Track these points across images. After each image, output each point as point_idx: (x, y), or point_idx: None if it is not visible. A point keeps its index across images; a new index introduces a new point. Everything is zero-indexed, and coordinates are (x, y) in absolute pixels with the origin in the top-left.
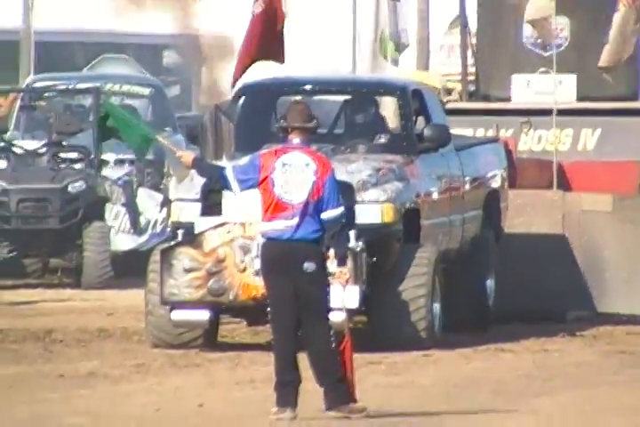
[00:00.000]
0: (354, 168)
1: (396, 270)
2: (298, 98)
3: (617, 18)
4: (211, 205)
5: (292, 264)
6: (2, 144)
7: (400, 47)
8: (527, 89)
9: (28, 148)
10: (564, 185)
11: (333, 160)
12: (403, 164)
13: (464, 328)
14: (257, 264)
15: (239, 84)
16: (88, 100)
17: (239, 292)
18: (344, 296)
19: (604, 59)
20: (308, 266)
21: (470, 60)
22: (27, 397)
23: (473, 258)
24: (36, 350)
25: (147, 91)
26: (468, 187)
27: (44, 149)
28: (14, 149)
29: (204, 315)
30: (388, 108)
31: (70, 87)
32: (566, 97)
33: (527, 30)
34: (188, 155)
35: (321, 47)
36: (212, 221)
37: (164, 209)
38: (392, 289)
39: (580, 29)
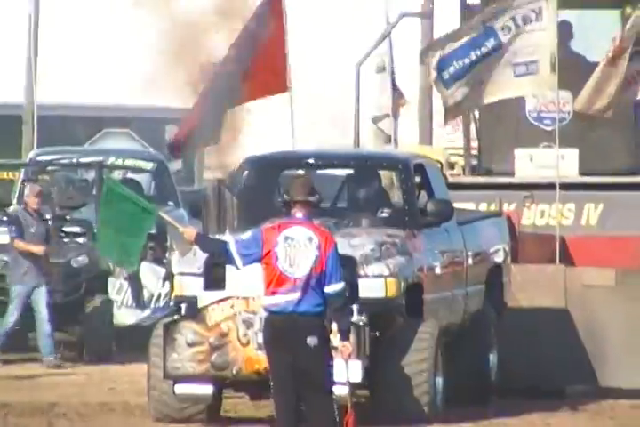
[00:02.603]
0: (357, 242)
1: (399, 345)
2: (300, 172)
3: (597, 70)
4: (214, 279)
5: (294, 338)
6: (5, 218)
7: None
8: (530, 163)
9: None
10: (567, 260)
11: (336, 234)
12: (405, 238)
13: (466, 402)
14: (260, 338)
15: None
16: (91, 175)
17: (242, 366)
18: (347, 370)
19: (577, 104)
20: (312, 340)
21: (473, 135)
22: None
23: (475, 333)
24: (40, 424)
25: (149, 165)
26: (470, 261)
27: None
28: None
29: (207, 389)
30: (391, 182)
31: (73, 161)
32: (569, 171)
33: (529, 105)
34: (190, 231)
35: (325, 121)
36: (216, 295)
37: (167, 283)
38: (394, 363)
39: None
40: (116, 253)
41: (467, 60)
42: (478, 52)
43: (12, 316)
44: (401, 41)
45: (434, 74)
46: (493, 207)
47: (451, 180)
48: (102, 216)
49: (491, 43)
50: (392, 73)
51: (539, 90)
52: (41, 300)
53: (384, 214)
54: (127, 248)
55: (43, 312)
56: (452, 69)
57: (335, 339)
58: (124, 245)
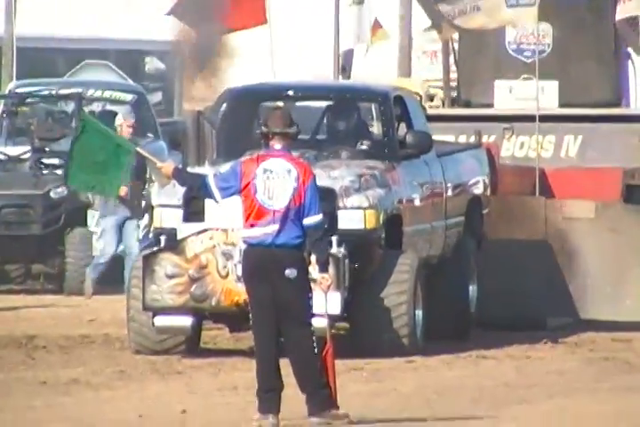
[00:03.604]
0: (336, 174)
1: (378, 277)
2: (279, 104)
3: None
4: (193, 211)
5: (273, 270)
6: None
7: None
8: (509, 95)
9: (11, 153)
10: (547, 192)
11: (315, 166)
12: (385, 170)
13: (446, 335)
14: (239, 270)
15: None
16: (70, 107)
17: (221, 298)
18: (326, 302)
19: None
20: (290, 272)
21: (452, 67)
22: (9, 404)
23: (455, 264)
24: (19, 356)
25: (129, 97)
26: (450, 193)
27: (26, 155)
28: None
29: (186, 321)
30: (370, 114)
31: (52, 93)
32: (548, 103)
33: (509, 36)
34: (167, 166)
35: (304, 54)
36: (195, 227)
37: (147, 215)
38: (374, 295)
39: (563, 36)
40: (93, 184)
41: None
42: None
43: (110, 246)
44: None
45: None
46: (473, 139)
47: (430, 112)
48: (77, 152)
49: None
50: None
51: (521, 21)
52: (133, 233)
53: (363, 146)
54: (106, 179)
55: (133, 246)
56: None
57: (314, 271)
58: (102, 177)
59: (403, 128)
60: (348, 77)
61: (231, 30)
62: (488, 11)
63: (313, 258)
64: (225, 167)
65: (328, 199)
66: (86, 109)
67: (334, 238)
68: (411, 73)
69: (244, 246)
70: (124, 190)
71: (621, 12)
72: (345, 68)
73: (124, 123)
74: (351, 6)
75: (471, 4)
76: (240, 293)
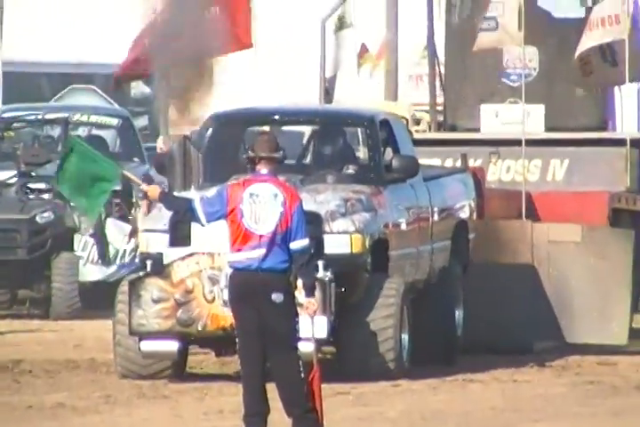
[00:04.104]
0: (322, 198)
1: (365, 301)
2: (265, 128)
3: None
4: (179, 235)
5: (259, 294)
6: None
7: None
8: (495, 119)
9: None
10: (533, 215)
11: (301, 190)
12: (371, 194)
13: (432, 359)
14: (225, 295)
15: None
16: (56, 131)
17: (208, 322)
18: (312, 327)
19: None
20: (276, 297)
21: (439, 90)
22: None
23: (441, 289)
24: (4, 381)
25: (115, 121)
26: (436, 217)
27: (12, 180)
28: None
29: (172, 346)
30: (357, 138)
31: (39, 118)
32: (535, 127)
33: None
34: (153, 189)
35: (289, 78)
36: (181, 251)
37: (133, 240)
38: (360, 320)
39: (549, 59)
40: (78, 200)
41: None
42: None
43: None
44: None
45: None
46: (459, 163)
47: (416, 136)
48: (65, 169)
49: None
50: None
51: (504, 44)
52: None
53: (349, 171)
54: (90, 199)
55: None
56: None
57: (300, 295)
58: (86, 196)
59: (389, 152)
60: (330, 102)
61: (217, 54)
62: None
63: (299, 282)
64: (211, 191)
65: (314, 224)
66: (72, 134)
67: (320, 263)
68: (397, 97)
69: (230, 271)
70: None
71: (587, 42)
72: (328, 91)
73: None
74: (335, 33)
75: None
76: (226, 317)
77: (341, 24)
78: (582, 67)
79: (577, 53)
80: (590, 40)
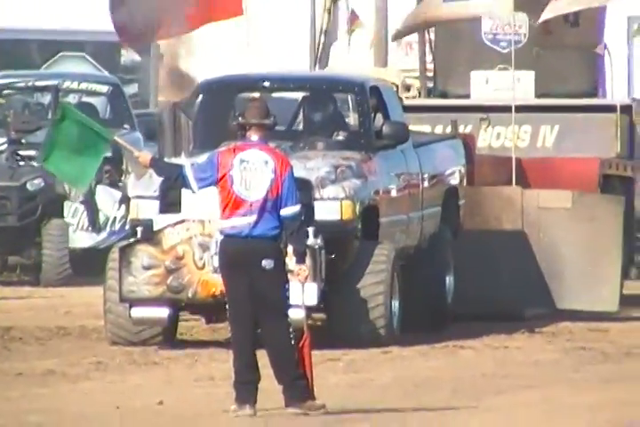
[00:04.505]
0: (312, 165)
1: (355, 268)
2: (256, 95)
3: None
4: (169, 202)
5: (250, 261)
6: None
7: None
8: (486, 86)
9: None
10: (523, 182)
11: (292, 157)
12: (361, 161)
13: (423, 325)
14: (216, 261)
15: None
16: (47, 98)
17: (198, 289)
18: (303, 293)
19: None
20: (267, 263)
21: (429, 57)
22: None
23: (431, 255)
24: None
25: (105, 89)
26: (426, 184)
27: (2, 147)
28: None
29: (163, 312)
30: (347, 105)
31: (29, 85)
32: (525, 94)
33: (485, 26)
34: (145, 155)
35: (280, 46)
36: (171, 218)
37: (123, 206)
38: (350, 286)
39: (539, 26)
40: (67, 171)
41: None
42: None
43: None
44: None
45: None
46: (449, 129)
47: (406, 102)
48: (55, 138)
49: None
50: None
51: (495, 11)
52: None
53: (340, 137)
54: (81, 168)
55: None
56: None
57: (291, 262)
58: (77, 165)
59: (379, 119)
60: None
61: (206, 22)
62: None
63: (290, 249)
64: (202, 158)
65: (304, 190)
66: (64, 100)
67: (311, 229)
68: (387, 63)
69: (220, 238)
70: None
71: (551, 11)
72: (321, 59)
73: None
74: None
75: None
76: (217, 284)
77: None
78: (541, 24)
79: (555, 14)
80: (576, 3)
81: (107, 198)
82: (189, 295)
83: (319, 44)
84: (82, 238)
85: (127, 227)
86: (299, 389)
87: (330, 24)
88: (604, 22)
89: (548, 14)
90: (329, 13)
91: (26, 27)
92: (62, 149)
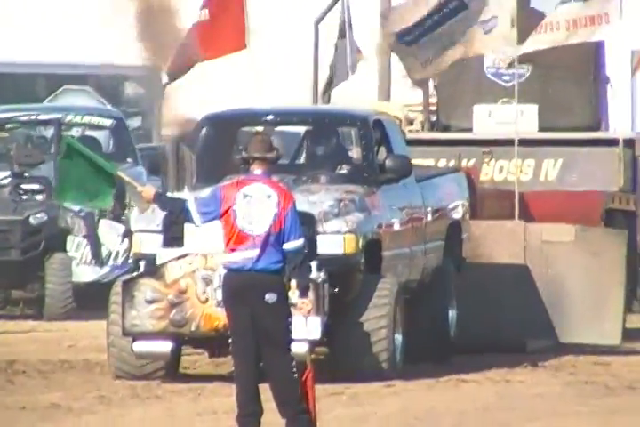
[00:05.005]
0: (315, 199)
1: (358, 301)
2: (259, 129)
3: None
4: (173, 236)
5: (253, 295)
6: None
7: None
8: (489, 119)
9: None
10: (526, 215)
11: (295, 191)
12: (364, 194)
13: (426, 359)
14: (219, 295)
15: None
16: (50, 132)
17: (201, 323)
18: (306, 327)
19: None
20: (270, 297)
21: (432, 91)
22: None
23: (434, 289)
24: None
25: (108, 122)
26: (429, 217)
27: (5, 181)
28: None
29: (166, 346)
30: (350, 138)
31: (32, 118)
32: (528, 127)
33: (488, 60)
34: (148, 189)
35: (282, 80)
36: (174, 252)
37: (126, 240)
38: (353, 320)
39: (542, 59)
40: (84, 197)
41: (428, 22)
42: (438, 16)
43: None
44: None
45: (393, 39)
46: (452, 163)
47: (409, 136)
48: (63, 174)
49: (452, 4)
50: (349, 28)
51: (499, 46)
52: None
53: (343, 171)
54: (97, 188)
55: None
56: (415, 34)
57: (294, 296)
58: (92, 188)
59: (382, 152)
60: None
61: (210, 57)
62: (465, 43)
63: (293, 283)
64: (205, 192)
65: (307, 224)
66: (67, 135)
67: (314, 263)
68: (390, 97)
69: (223, 271)
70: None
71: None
72: (325, 92)
73: None
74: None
75: (446, 42)
76: (220, 318)
77: (340, 32)
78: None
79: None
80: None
81: (110, 232)
82: (192, 329)
83: (330, 79)
84: (85, 272)
85: (130, 261)
86: (302, 422)
87: (335, 59)
88: (603, 56)
89: (529, 47)
90: (335, 49)
91: (29, 60)
92: (72, 181)
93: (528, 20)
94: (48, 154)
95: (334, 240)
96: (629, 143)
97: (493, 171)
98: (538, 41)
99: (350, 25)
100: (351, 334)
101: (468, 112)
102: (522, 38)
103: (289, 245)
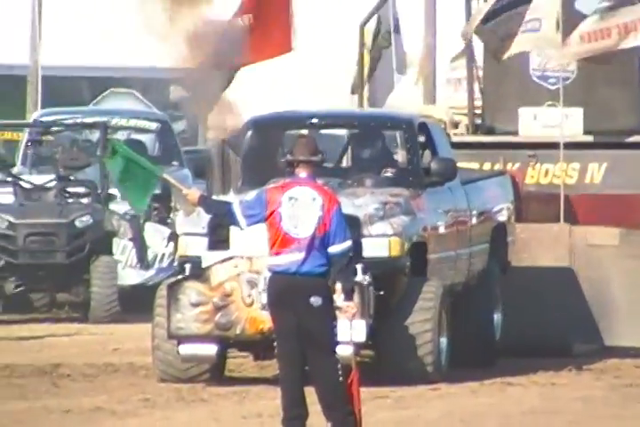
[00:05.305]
0: (360, 202)
1: (403, 304)
2: (304, 132)
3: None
4: (218, 239)
5: (298, 298)
6: (9, 179)
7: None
8: (534, 122)
9: (36, 182)
10: (571, 218)
11: (340, 194)
12: (409, 197)
13: (471, 362)
14: (264, 298)
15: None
16: (95, 135)
17: (246, 326)
18: (351, 330)
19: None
20: (315, 300)
21: (477, 94)
22: None
23: (479, 292)
24: (43, 385)
25: (154, 125)
26: (474, 221)
27: (51, 184)
28: (22, 184)
29: (211, 349)
30: (395, 141)
31: (77, 122)
32: (573, 130)
33: (534, 63)
34: (193, 192)
35: (327, 82)
36: (219, 255)
37: (171, 243)
38: (399, 323)
39: (587, 62)
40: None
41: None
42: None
43: None
44: (402, 0)
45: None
46: (497, 166)
47: (454, 139)
48: (112, 171)
49: None
50: (397, 32)
51: (542, 47)
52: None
53: (388, 174)
54: (138, 192)
55: None
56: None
57: (339, 299)
58: (134, 190)
59: (427, 155)
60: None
61: (256, 60)
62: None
63: (338, 286)
64: (250, 195)
65: (352, 227)
66: (114, 138)
67: (359, 266)
68: (435, 100)
69: (268, 274)
70: None
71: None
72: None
73: None
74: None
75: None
76: (265, 321)
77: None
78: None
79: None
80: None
81: (155, 235)
82: (237, 332)
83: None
84: (130, 275)
85: (175, 264)
86: (348, 425)
87: (374, 62)
88: None
89: (514, 49)
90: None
91: (75, 64)
92: (122, 179)
93: (570, 21)
94: (93, 157)
95: (380, 243)
96: None
97: (538, 174)
98: (590, 49)
99: (398, 29)
100: (396, 337)
101: (513, 115)
102: (564, 39)
103: (334, 249)
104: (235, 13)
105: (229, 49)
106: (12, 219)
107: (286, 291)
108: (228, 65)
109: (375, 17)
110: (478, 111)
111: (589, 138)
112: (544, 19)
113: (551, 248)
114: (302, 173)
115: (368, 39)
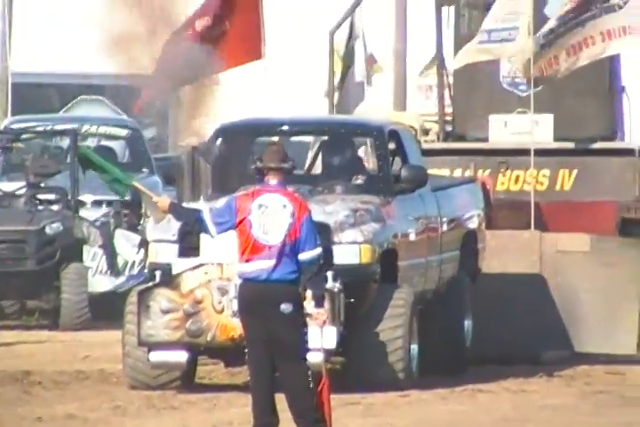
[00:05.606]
0: (331, 209)
1: (374, 311)
2: (274, 139)
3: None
4: (188, 246)
5: (268, 305)
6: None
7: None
8: (504, 129)
9: (5, 189)
10: (542, 225)
11: (310, 201)
12: (380, 205)
13: (442, 369)
14: (234, 305)
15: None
16: (65, 142)
17: (217, 333)
18: (322, 337)
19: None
20: (286, 307)
21: (447, 101)
22: None
23: (450, 299)
24: (14, 392)
25: (124, 132)
26: (445, 228)
27: (21, 191)
28: None
29: (181, 356)
30: (365, 148)
31: (48, 129)
32: (543, 137)
33: (504, 70)
34: (163, 200)
35: (297, 89)
36: (190, 262)
37: (142, 250)
38: (369, 330)
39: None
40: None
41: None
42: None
43: None
44: (372, 7)
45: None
46: (468, 173)
47: (425, 146)
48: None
49: None
50: (363, 39)
51: (517, 55)
52: None
53: (358, 181)
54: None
55: None
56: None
57: (309, 306)
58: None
59: (398, 162)
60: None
61: (226, 67)
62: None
63: (308, 293)
64: (220, 202)
65: (323, 234)
66: (83, 145)
67: (330, 273)
68: (406, 107)
69: (239, 281)
70: None
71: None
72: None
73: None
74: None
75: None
76: (235, 328)
77: (350, 35)
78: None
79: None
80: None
81: (125, 242)
82: (208, 339)
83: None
84: (101, 282)
85: (146, 271)
86: None
87: (345, 68)
88: (618, 65)
89: (466, 58)
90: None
91: (44, 71)
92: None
93: (538, 27)
94: (64, 164)
95: (350, 250)
96: None
97: (509, 181)
98: (578, 59)
99: (363, 36)
100: (367, 344)
101: (483, 122)
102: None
103: (304, 256)
104: (194, 13)
105: (197, 66)
106: None
107: (257, 298)
108: (198, 78)
109: (348, 23)
110: (449, 118)
111: (560, 145)
112: (520, 27)
113: (521, 255)
114: (272, 180)
115: (339, 46)
